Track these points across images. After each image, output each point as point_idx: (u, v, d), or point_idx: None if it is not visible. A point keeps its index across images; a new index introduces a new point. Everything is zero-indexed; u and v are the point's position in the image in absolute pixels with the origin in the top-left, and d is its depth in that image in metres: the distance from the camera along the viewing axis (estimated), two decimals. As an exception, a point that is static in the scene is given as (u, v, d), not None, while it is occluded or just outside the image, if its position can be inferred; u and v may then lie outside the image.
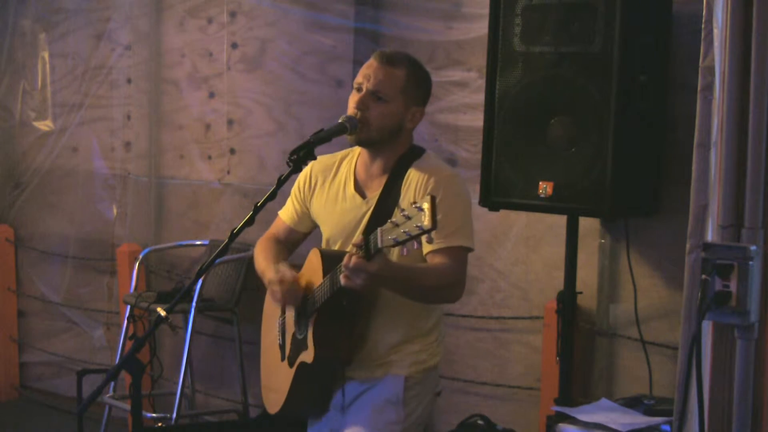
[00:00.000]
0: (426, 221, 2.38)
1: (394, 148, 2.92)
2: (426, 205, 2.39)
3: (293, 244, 3.14)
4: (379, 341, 2.88)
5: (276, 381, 3.01)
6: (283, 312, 3.04)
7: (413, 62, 2.95)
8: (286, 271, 2.87)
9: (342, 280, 2.61)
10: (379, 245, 2.49)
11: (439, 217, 2.67)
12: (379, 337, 2.88)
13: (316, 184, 3.04)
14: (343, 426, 2.90)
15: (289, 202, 3.12)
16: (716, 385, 2.82)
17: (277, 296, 2.88)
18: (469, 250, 2.84)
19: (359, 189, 2.96)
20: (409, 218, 2.42)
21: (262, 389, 3.18)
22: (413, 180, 2.85)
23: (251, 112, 5.11)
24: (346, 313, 2.80)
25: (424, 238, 2.53)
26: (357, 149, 3.01)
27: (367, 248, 2.54)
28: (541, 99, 3.60)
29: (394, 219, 2.46)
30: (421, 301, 2.84)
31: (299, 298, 2.86)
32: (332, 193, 2.99)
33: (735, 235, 2.78)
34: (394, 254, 2.77)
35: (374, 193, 2.92)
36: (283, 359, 2.98)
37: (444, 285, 2.78)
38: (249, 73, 5.09)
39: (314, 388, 2.94)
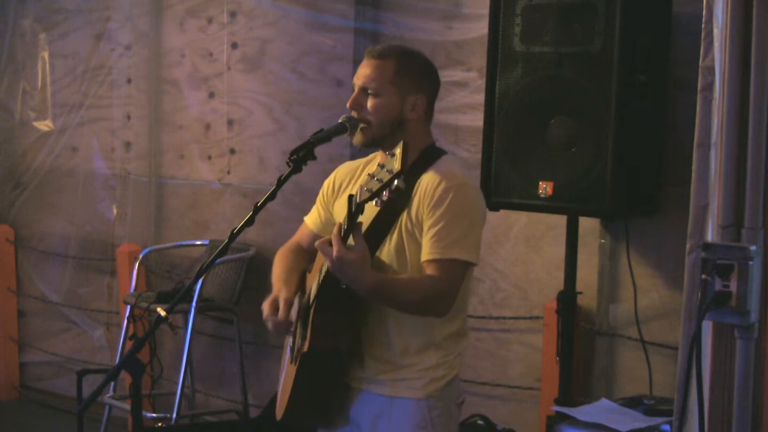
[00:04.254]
0: (396, 165, 2.31)
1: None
2: (398, 150, 2.33)
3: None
4: (392, 344, 2.78)
5: (285, 384, 2.94)
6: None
7: (405, 52, 2.86)
8: (282, 308, 2.75)
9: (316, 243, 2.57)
10: (358, 200, 2.44)
11: (441, 224, 2.66)
12: (392, 340, 2.78)
13: (339, 189, 2.98)
14: None
15: (314, 207, 3.05)
16: (716, 385, 2.81)
17: (271, 328, 2.80)
18: (468, 263, 2.73)
19: None
20: (383, 167, 2.37)
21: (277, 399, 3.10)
22: (423, 185, 2.74)
23: (251, 112, 5.11)
24: (346, 297, 2.70)
25: (426, 245, 2.57)
26: (380, 153, 2.92)
27: (350, 205, 2.49)
28: (541, 99, 3.60)
29: (372, 172, 2.41)
30: (404, 312, 2.73)
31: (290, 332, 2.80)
32: None
33: (735, 235, 2.77)
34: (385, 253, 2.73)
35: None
36: (292, 361, 2.91)
37: (427, 299, 2.67)
38: (249, 73, 5.09)
39: (317, 389, 2.83)
